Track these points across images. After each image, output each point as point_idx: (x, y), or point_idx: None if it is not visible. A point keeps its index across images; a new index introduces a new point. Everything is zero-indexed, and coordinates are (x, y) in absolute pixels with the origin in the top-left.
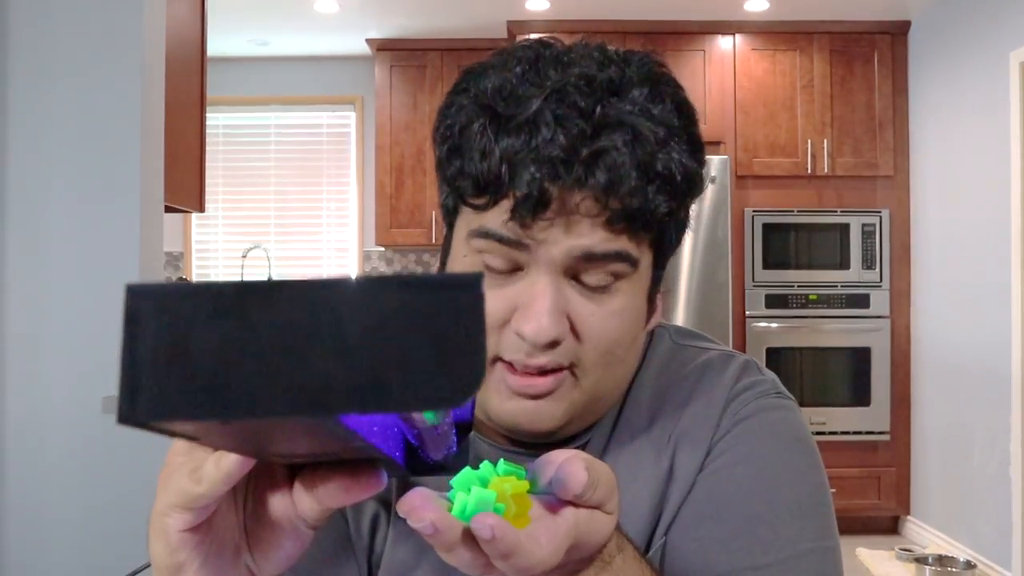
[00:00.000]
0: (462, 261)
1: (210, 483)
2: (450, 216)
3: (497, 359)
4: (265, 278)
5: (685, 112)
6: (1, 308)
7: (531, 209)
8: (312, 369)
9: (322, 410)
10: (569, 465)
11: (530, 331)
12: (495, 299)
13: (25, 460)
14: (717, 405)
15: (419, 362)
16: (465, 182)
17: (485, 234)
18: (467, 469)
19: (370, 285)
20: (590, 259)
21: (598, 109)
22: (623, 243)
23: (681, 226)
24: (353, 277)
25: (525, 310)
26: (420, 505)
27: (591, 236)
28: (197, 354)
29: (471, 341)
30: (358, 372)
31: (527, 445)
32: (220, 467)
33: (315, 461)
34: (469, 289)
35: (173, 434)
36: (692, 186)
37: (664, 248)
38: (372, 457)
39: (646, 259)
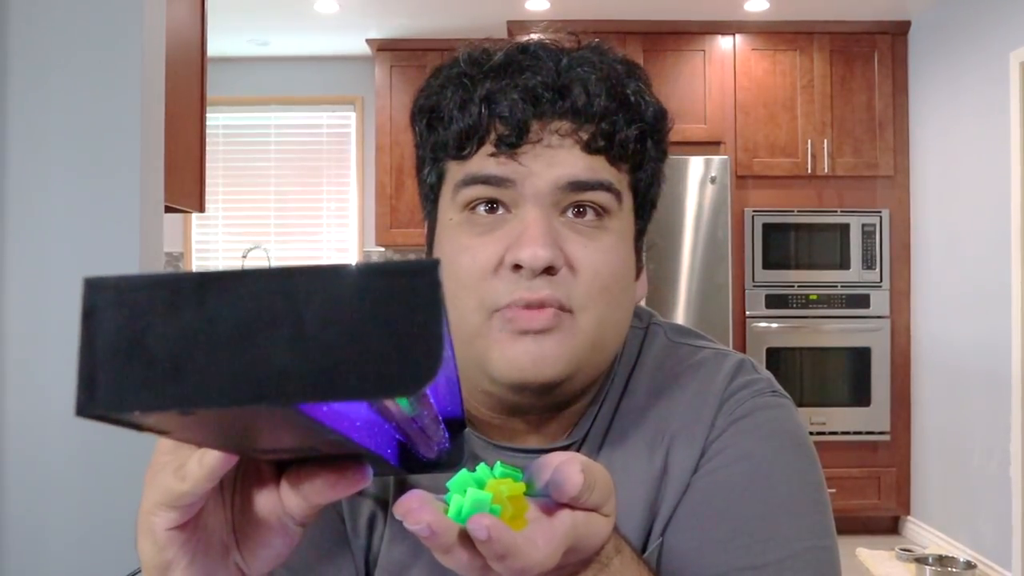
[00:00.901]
0: (449, 227)
1: (194, 481)
2: (434, 192)
3: (494, 312)
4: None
5: (635, 64)
6: (1, 308)
7: (514, 135)
8: (269, 358)
9: (279, 399)
10: (565, 467)
11: (526, 255)
12: (487, 245)
13: (25, 460)
14: (712, 404)
15: (376, 349)
16: (448, 137)
17: (472, 179)
18: (463, 471)
19: (326, 273)
20: (575, 188)
21: (562, 56)
22: (604, 173)
23: (656, 169)
24: (309, 265)
25: (518, 240)
26: (417, 507)
27: (573, 165)
28: (155, 345)
29: (428, 327)
30: (315, 360)
31: (527, 451)
32: (203, 464)
33: (300, 457)
34: (425, 275)
35: (139, 427)
36: (658, 120)
37: (642, 191)
38: (356, 453)
39: (627, 200)
